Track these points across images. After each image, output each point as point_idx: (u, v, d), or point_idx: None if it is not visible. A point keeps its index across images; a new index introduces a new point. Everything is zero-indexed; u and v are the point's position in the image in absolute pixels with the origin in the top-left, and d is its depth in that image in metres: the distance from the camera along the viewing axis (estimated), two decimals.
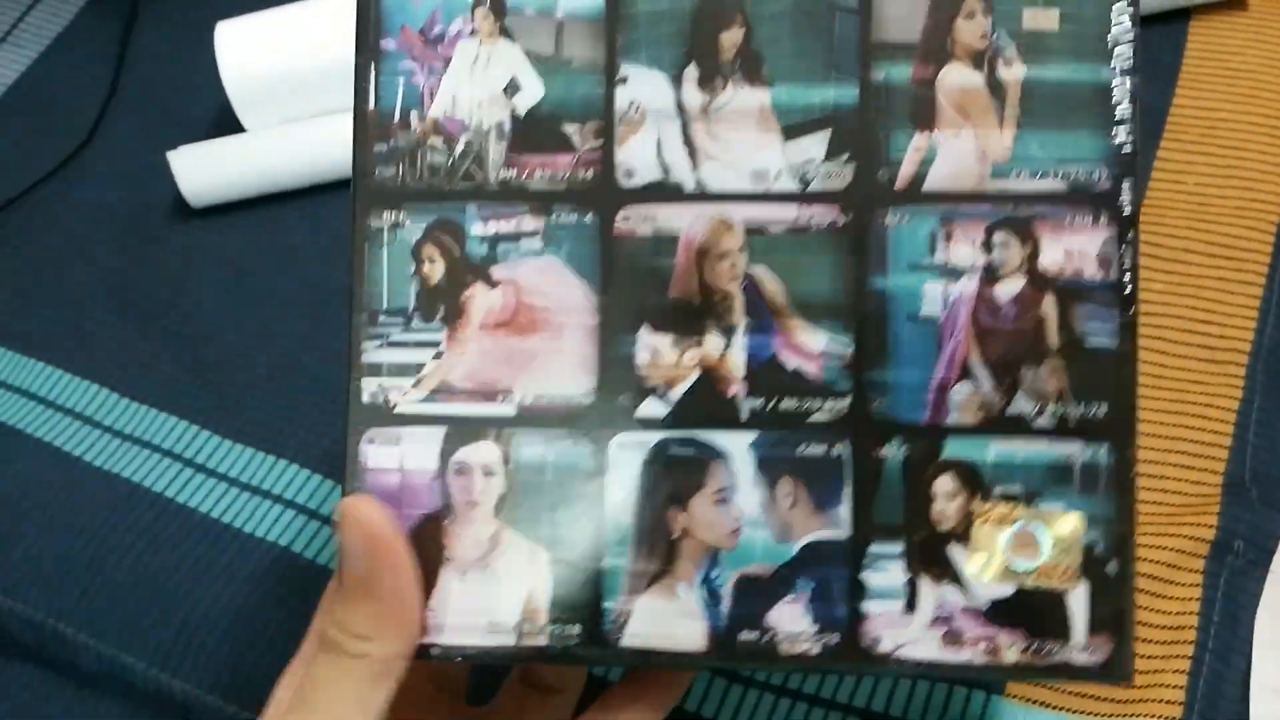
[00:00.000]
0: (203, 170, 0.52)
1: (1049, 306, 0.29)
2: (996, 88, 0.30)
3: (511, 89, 0.31)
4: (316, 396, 0.47)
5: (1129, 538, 0.29)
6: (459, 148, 0.31)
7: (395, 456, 0.30)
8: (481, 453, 0.30)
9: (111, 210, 0.55)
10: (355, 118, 0.31)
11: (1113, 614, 0.29)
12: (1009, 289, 0.29)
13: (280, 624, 0.41)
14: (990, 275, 0.29)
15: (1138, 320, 0.29)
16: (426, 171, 0.31)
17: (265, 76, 0.51)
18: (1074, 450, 0.29)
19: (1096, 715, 0.35)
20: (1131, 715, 0.35)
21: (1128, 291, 0.29)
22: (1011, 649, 0.29)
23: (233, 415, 0.46)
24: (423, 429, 0.30)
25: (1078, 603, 0.29)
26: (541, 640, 0.30)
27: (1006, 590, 0.29)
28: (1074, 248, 0.29)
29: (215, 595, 0.42)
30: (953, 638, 0.29)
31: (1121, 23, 0.29)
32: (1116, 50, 0.29)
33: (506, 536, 0.30)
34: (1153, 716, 0.35)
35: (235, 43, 0.51)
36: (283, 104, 0.52)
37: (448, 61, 0.31)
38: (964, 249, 0.29)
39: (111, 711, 0.41)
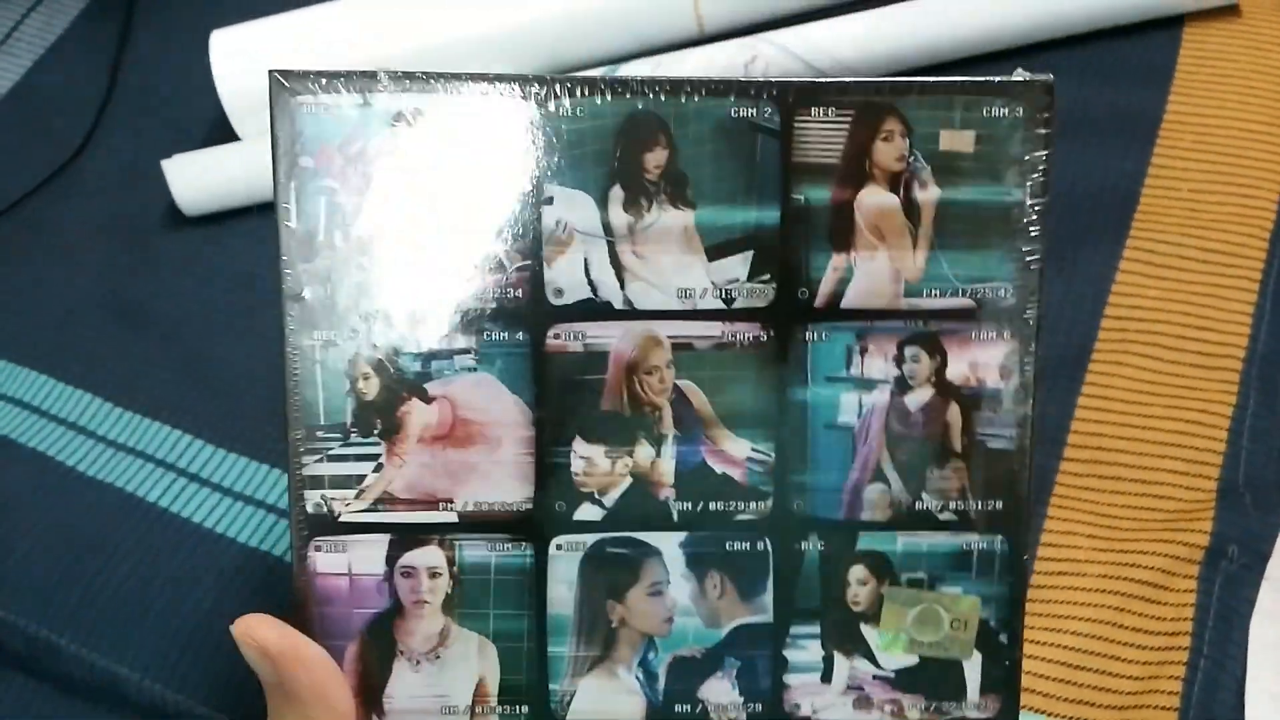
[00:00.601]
0: (197, 178, 0.52)
1: (954, 414, 0.31)
2: (912, 209, 0.31)
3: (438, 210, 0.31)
4: None
5: (1019, 612, 0.32)
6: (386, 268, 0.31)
7: (343, 562, 0.32)
8: (427, 557, 0.32)
9: (105, 218, 0.54)
10: (280, 236, 0.31)
11: (1002, 676, 0.33)
12: (918, 399, 0.31)
13: None
14: (901, 386, 0.31)
15: (1034, 422, 0.32)
16: (355, 290, 0.31)
17: (260, 85, 0.51)
18: (973, 540, 0.32)
19: None
20: None
21: (1028, 397, 0.31)
22: (914, 709, 0.33)
23: (227, 424, 0.46)
24: (368, 536, 0.32)
25: (972, 669, 0.33)
26: (493, 719, 0.32)
27: (911, 660, 0.32)
28: (979, 359, 0.31)
29: (210, 606, 0.42)
30: (864, 702, 0.33)
31: (1034, 143, 0.30)
32: (1028, 171, 0.31)
33: (455, 630, 0.32)
34: None
35: (230, 51, 0.52)
36: None
37: (370, 180, 0.30)
38: (878, 362, 0.31)
39: None
